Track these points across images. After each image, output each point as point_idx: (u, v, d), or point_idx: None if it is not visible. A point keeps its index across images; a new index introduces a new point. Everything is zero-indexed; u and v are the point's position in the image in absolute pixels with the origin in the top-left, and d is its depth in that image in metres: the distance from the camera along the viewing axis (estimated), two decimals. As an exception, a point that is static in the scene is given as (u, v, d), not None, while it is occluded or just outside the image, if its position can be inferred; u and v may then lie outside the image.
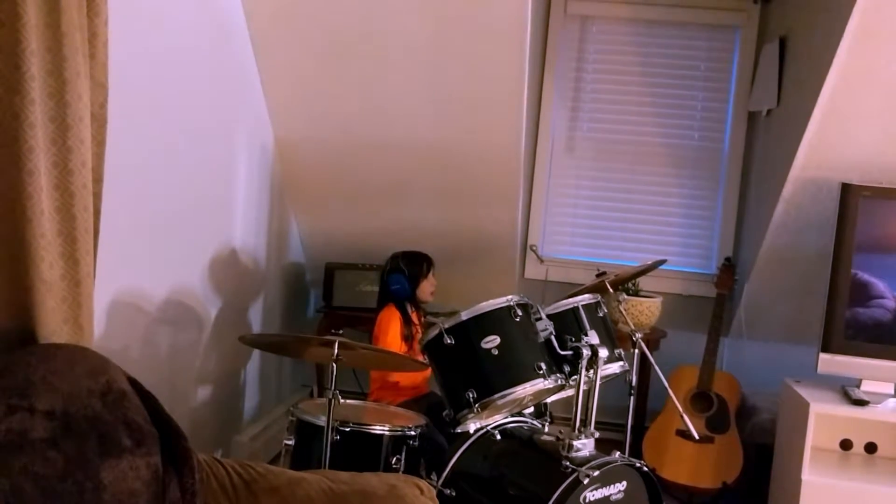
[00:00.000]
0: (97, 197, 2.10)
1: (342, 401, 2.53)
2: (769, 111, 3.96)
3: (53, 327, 1.93)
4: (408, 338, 3.33)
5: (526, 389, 2.49)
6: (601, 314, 2.84)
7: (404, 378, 3.29)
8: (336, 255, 4.30)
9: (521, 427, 2.75)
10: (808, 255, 3.76)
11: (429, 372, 2.73)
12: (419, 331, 3.40)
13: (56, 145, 1.91)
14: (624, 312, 3.34)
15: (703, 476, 3.62)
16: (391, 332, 3.31)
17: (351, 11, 3.35)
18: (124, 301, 2.71)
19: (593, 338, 2.59)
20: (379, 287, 3.52)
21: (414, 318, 3.44)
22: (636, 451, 3.58)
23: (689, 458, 3.65)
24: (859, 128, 3.35)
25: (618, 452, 2.50)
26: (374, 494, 1.99)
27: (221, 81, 3.30)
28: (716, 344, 3.77)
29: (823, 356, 3.20)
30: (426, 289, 3.48)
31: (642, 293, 4.00)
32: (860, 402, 3.10)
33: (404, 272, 3.41)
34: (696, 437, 3.07)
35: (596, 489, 2.39)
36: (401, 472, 2.59)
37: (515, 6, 3.23)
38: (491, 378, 2.49)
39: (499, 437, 2.65)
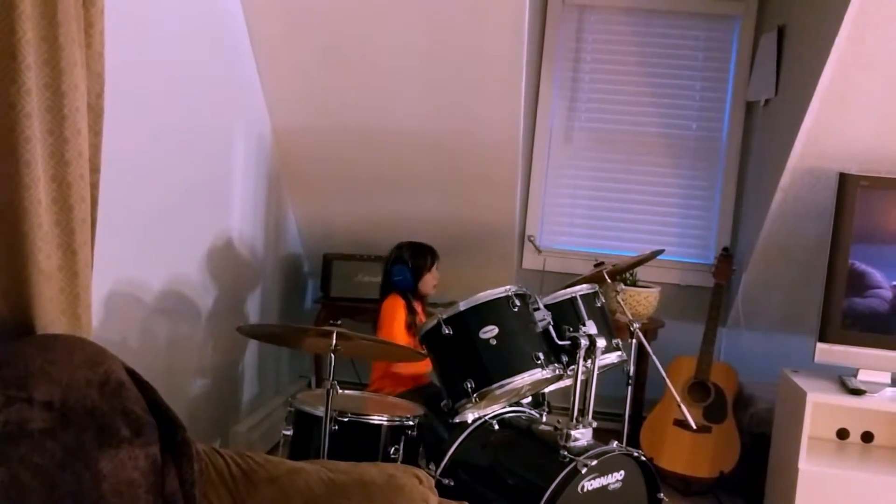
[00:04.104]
0: (94, 187, 2.09)
1: (340, 391, 2.53)
2: (767, 101, 3.95)
3: (51, 318, 1.93)
4: (411, 326, 3.33)
5: (524, 379, 2.49)
6: (599, 304, 2.84)
7: (407, 368, 3.28)
8: (334, 246, 4.29)
9: (520, 417, 2.75)
10: (805, 245, 3.77)
11: (428, 362, 2.73)
12: (423, 320, 3.39)
13: (53, 135, 1.91)
14: (622, 302, 3.34)
15: (701, 465, 3.63)
16: (397, 320, 3.29)
17: (348, 1, 3.34)
18: (122, 291, 2.71)
19: (591, 328, 2.60)
20: (382, 277, 3.50)
21: (417, 307, 3.43)
22: (634, 441, 3.58)
23: (686, 448, 3.66)
24: (857, 117, 3.35)
25: (615, 442, 2.50)
26: (372, 484, 1.99)
27: (219, 71, 3.29)
28: (713, 334, 3.78)
29: (821, 346, 3.21)
30: (429, 282, 3.45)
31: (640, 283, 4.00)
32: (857, 392, 3.11)
33: (407, 263, 3.39)
34: (694, 426, 3.09)
35: (594, 478, 2.40)
36: (399, 462, 2.59)
37: (513, -5, 3.22)
38: (489, 368, 2.49)
39: (497, 426, 2.65)
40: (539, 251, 4.48)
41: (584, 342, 2.50)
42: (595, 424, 2.55)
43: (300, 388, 4.39)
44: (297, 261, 4.49)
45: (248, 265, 3.81)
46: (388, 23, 3.40)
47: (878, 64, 3.17)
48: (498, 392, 2.50)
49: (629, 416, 3.26)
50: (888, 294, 3.20)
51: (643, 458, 2.50)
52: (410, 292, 3.41)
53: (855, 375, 3.20)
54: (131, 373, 1.91)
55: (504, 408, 2.74)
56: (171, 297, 3.07)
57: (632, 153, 4.41)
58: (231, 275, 3.60)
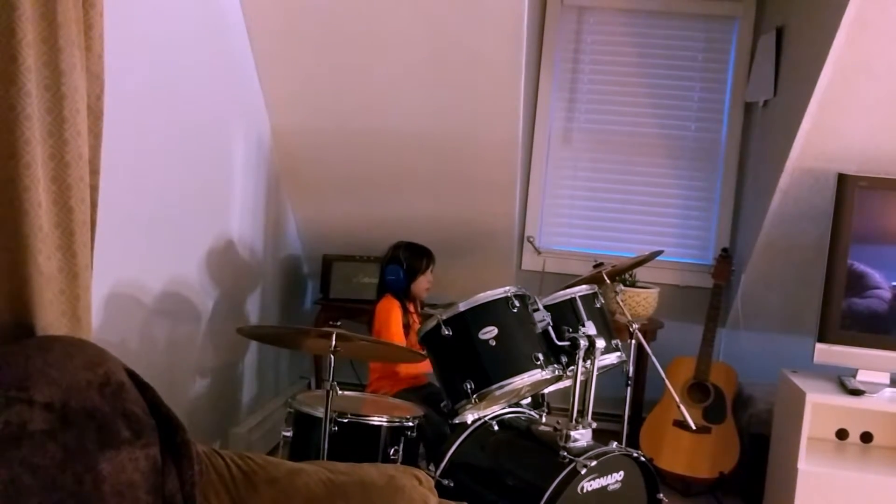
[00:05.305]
0: (94, 189, 2.09)
1: (340, 392, 2.53)
2: (766, 102, 3.96)
3: (51, 319, 1.93)
4: (405, 327, 3.33)
5: (523, 380, 2.50)
6: (598, 305, 2.85)
7: (404, 368, 3.29)
8: (333, 247, 4.30)
9: (519, 418, 2.75)
10: (804, 245, 3.77)
11: (427, 362, 2.73)
12: (416, 321, 3.40)
13: (53, 137, 1.91)
14: (621, 303, 3.34)
15: (700, 466, 3.63)
16: (393, 321, 3.30)
17: (347, 2, 3.34)
18: (122, 293, 2.71)
19: (590, 328, 2.60)
20: (379, 277, 3.51)
21: (410, 308, 3.43)
22: (633, 442, 3.59)
23: (685, 449, 3.66)
24: (856, 118, 3.35)
25: (615, 443, 2.51)
26: (372, 485, 2.00)
27: (218, 72, 3.29)
28: (713, 334, 3.78)
29: (820, 346, 3.21)
30: (422, 284, 3.45)
31: (639, 284, 4.01)
32: (856, 392, 3.11)
33: (402, 264, 3.40)
34: (693, 427, 3.08)
35: (593, 479, 2.40)
36: (399, 463, 2.59)
37: (512, -3, 3.22)
38: (489, 369, 2.50)
39: (496, 427, 2.66)
40: (538, 252, 4.49)
41: (583, 343, 2.51)
42: (594, 425, 2.55)
43: (300, 389, 4.39)
44: (296, 262, 4.49)
45: (248, 266, 3.81)
46: (388, 24, 3.40)
47: (876, 65, 3.18)
48: (497, 393, 2.50)
49: (628, 417, 3.26)
50: (887, 294, 3.20)
51: (643, 459, 2.51)
52: (403, 293, 3.41)
53: (854, 376, 3.21)
54: (131, 374, 1.91)
55: (504, 409, 2.75)
56: (170, 298, 3.07)
57: (631, 154, 4.42)
58: (231, 276, 3.60)
